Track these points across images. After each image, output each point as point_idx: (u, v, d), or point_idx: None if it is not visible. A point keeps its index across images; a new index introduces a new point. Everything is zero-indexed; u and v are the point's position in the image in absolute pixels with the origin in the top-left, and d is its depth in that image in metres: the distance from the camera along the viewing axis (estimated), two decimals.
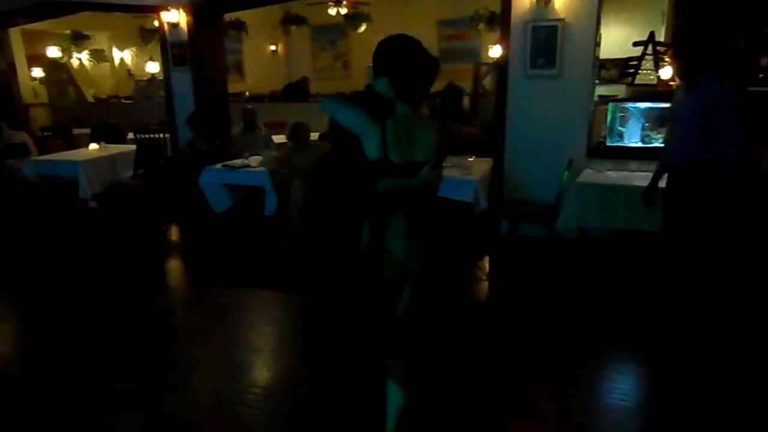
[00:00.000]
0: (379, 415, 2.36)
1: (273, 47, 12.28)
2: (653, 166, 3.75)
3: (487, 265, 4.78)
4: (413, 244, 2.16)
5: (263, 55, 12.13)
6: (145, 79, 11.44)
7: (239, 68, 11.59)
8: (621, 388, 2.99)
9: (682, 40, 3.41)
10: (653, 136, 4.78)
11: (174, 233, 6.13)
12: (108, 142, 7.42)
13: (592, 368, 3.15)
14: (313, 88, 10.64)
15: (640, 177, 4.45)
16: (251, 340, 3.68)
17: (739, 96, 3.26)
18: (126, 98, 11.40)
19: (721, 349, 3.28)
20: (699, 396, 2.86)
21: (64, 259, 5.23)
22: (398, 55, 2.15)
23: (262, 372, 3.30)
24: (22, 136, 6.95)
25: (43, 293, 4.45)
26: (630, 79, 5.57)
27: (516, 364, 3.17)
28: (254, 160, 5.64)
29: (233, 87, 8.87)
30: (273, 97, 10.25)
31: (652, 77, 5.46)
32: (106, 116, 9.61)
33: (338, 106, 2.23)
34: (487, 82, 8.10)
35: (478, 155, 5.33)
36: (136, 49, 12.06)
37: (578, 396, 2.87)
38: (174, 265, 5.38)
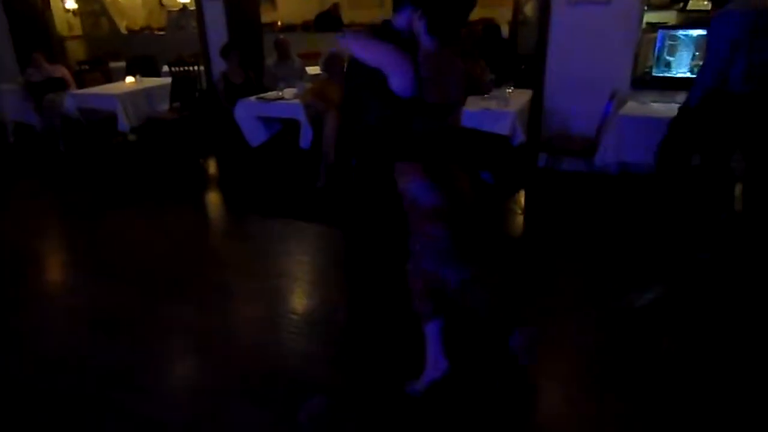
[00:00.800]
0: (407, 348, 2.44)
1: None
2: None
3: (522, 200, 4.74)
4: (460, 185, 2.16)
5: None
6: (177, 9, 11.30)
7: None
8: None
9: None
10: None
11: (212, 166, 6.22)
12: (143, 75, 7.44)
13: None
14: (347, 17, 10.36)
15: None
16: (290, 270, 3.78)
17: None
18: (159, 29, 11.32)
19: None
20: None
21: (108, 192, 5.39)
22: None
23: (300, 300, 3.41)
24: (62, 70, 7.02)
25: (90, 225, 4.62)
26: (681, 4, 5.26)
27: (545, 297, 3.20)
28: (288, 92, 5.60)
29: (265, 17, 8.69)
30: (306, 27, 10.04)
31: (705, 2, 5.15)
32: (139, 48, 9.59)
33: (362, 41, 2.07)
34: (529, 8, 7.75)
35: (517, 86, 5.18)
36: None
37: (611, 330, 2.90)
38: (213, 198, 5.50)
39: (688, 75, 4.59)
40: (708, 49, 3.40)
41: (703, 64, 3.45)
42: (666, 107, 4.34)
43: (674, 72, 4.65)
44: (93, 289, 3.52)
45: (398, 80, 1.97)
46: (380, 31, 2.14)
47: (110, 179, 5.77)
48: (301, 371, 2.64)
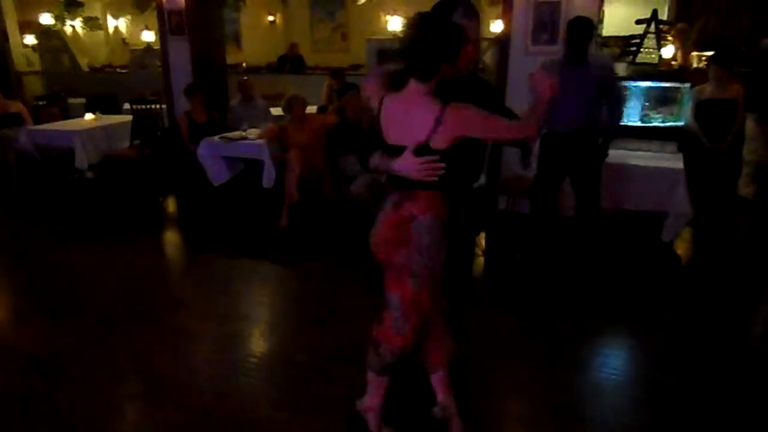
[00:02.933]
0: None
1: (271, 17, 12.12)
2: (653, 145, 3.78)
3: (483, 241, 4.81)
4: (379, 227, 2.16)
5: (261, 26, 11.99)
6: (141, 48, 11.29)
7: (237, 39, 11.45)
8: (612, 363, 3.05)
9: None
10: (653, 116, 4.79)
11: (171, 205, 6.12)
12: (103, 112, 7.35)
13: (584, 344, 3.21)
14: (312, 60, 10.54)
15: (638, 156, 4.49)
16: (249, 311, 3.71)
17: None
18: (121, 68, 11.25)
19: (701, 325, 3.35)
20: (689, 370, 2.92)
21: (61, 230, 5.23)
22: (405, 26, 2.03)
23: (259, 342, 3.34)
24: (18, 106, 6.86)
25: (41, 262, 4.46)
26: (632, 57, 5.55)
27: (504, 340, 3.22)
28: (252, 132, 5.61)
29: (231, 58, 8.77)
30: (271, 69, 10.16)
31: (653, 56, 5.45)
32: (101, 86, 9.49)
33: (367, 80, 2.24)
34: (488, 57, 8.05)
35: None
36: (131, 18, 11.87)
37: (569, 371, 2.93)
38: (172, 237, 5.39)
39: (639, 124, 4.81)
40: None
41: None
42: (620, 153, 4.53)
43: (626, 121, 4.86)
44: (39, 328, 3.38)
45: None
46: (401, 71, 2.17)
47: (65, 216, 5.60)
48: (257, 416, 2.56)
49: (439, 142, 1.96)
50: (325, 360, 3.01)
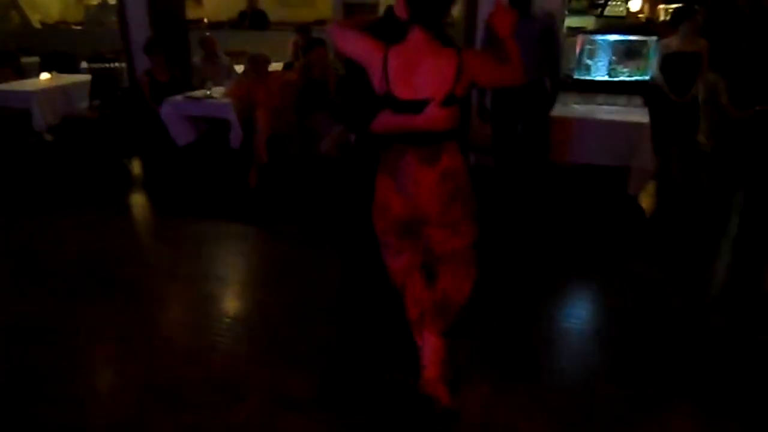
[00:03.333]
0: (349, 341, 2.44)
1: None
2: (619, 99, 3.81)
3: None
4: (418, 185, 2.02)
5: None
6: (96, 3, 10.76)
7: None
8: (575, 313, 3.14)
9: None
10: (620, 70, 4.82)
11: (137, 167, 5.97)
12: (60, 71, 7.04)
13: (548, 295, 3.29)
14: (276, 16, 10.22)
15: (605, 111, 4.53)
16: (220, 272, 3.69)
17: None
18: (76, 24, 10.73)
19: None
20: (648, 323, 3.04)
21: (24, 193, 5.07)
22: None
23: (232, 303, 3.35)
24: None
25: (4, 228, 4.33)
26: (599, 11, 5.54)
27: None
28: (217, 90, 5.46)
29: (191, 13, 8.43)
30: (234, 25, 9.82)
31: (621, 9, 5.44)
32: (55, 43, 9.04)
33: (343, 34, 2.03)
34: (455, 10, 7.91)
35: None
36: None
37: (534, 322, 3.01)
38: (139, 199, 5.28)
39: (607, 78, 4.84)
40: None
41: None
42: (587, 108, 4.56)
43: (594, 75, 4.90)
44: (8, 295, 3.31)
45: (373, 76, 1.96)
46: (381, 20, 2.11)
47: (26, 181, 5.42)
48: (233, 374, 2.58)
49: (460, 89, 1.95)
50: (298, 317, 3.03)
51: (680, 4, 5.12)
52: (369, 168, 2.14)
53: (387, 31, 1.97)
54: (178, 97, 5.43)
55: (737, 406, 2.40)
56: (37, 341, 2.85)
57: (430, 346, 2.18)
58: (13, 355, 2.75)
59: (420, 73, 1.93)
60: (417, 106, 1.94)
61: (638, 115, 4.43)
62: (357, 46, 2.00)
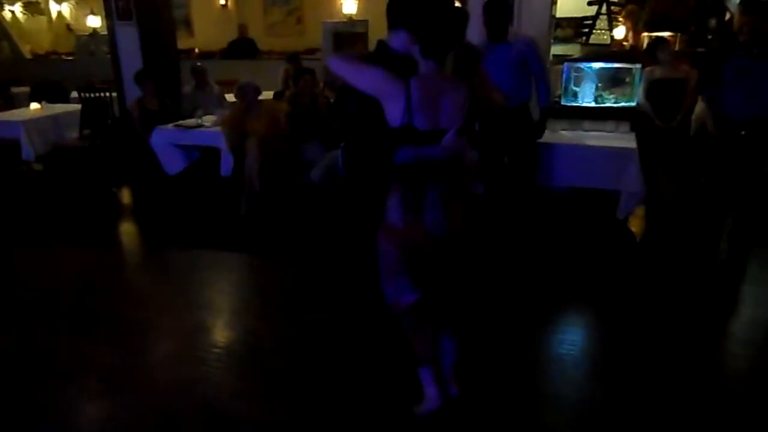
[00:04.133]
0: (343, 372, 2.41)
1: (222, 1, 11.80)
2: (606, 125, 3.86)
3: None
4: (449, 216, 2.07)
5: (212, 10, 11.64)
6: (87, 34, 10.84)
7: (187, 23, 11.10)
8: (569, 339, 3.13)
9: None
10: (606, 96, 4.89)
11: (126, 196, 5.94)
12: (50, 101, 7.05)
13: (541, 321, 3.28)
14: (266, 45, 10.34)
15: (592, 136, 4.58)
16: (211, 302, 3.65)
17: None
18: (67, 54, 10.80)
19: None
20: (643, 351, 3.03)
21: (11, 223, 5.02)
22: (422, 4, 1.93)
23: (223, 332, 3.30)
24: None
25: None
26: (584, 38, 5.65)
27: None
28: (208, 119, 5.49)
29: (182, 43, 8.52)
30: (224, 54, 9.92)
31: (605, 37, 5.55)
32: (46, 74, 9.08)
33: (351, 66, 2.02)
34: None
35: None
36: (75, 2, 11.38)
37: (527, 348, 2.99)
38: (128, 228, 5.25)
39: (594, 104, 4.91)
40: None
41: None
42: (574, 134, 4.62)
43: (581, 101, 4.96)
44: None
45: (391, 108, 1.95)
46: (376, 53, 2.10)
47: (15, 210, 5.38)
48: (222, 407, 2.53)
49: (467, 117, 2.06)
50: (290, 348, 2.99)
51: (661, 33, 5.23)
52: (375, 201, 2.13)
53: (386, 64, 1.97)
54: (169, 126, 5.44)
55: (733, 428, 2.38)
56: (21, 374, 2.79)
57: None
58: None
59: (441, 105, 1.98)
60: (436, 137, 2.01)
61: (625, 140, 4.49)
62: (372, 78, 1.97)
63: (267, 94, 6.36)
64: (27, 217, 5.20)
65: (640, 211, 4.72)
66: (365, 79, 1.98)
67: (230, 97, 6.45)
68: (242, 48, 9.76)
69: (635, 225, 4.65)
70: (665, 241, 4.40)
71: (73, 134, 6.39)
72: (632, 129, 4.76)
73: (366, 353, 2.87)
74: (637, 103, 4.91)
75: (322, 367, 2.79)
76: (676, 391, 2.64)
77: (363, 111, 2.03)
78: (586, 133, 4.65)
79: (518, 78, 3.92)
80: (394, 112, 1.94)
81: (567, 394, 2.62)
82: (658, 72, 4.81)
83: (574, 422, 2.42)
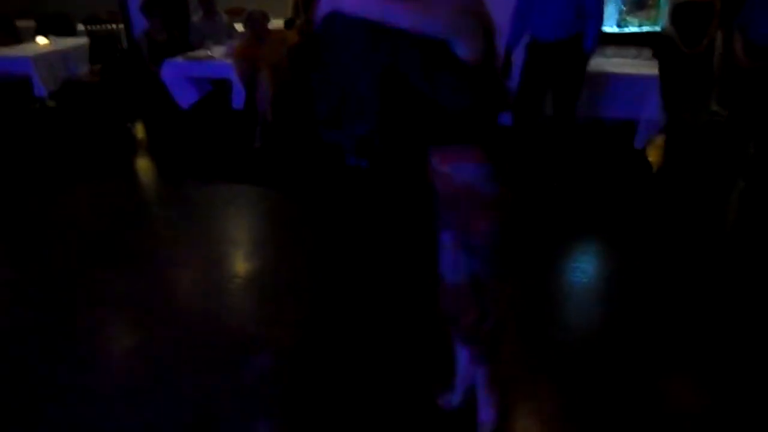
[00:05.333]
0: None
1: None
2: (629, 51, 3.71)
3: None
4: None
5: None
6: None
7: None
8: (582, 268, 3.15)
9: None
10: (629, 20, 4.70)
11: (140, 130, 5.93)
12: (57, 34, 6.92)
13: (556, 250, 3.30)
14: None
15: (613, 63, 4.44)
16: (228, 234, 3.71)
17: None
18: None
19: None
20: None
21: (28, 161, 5.06)
22: None
23: (241, 264, 3.36)
24: None
25: (13, 196, 4.34)
26: None
27: None
28: (217, 50, 5.37)
29: None
30: None
31: None
32: (50, 5, 8.89)
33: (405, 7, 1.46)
34: None
35: None
36: None
37: (542, 275, 3.03)
38: (144, 164, 5.27)
39: (616, 30, 4.73)
40: None
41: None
42: (594, 62, 4.46)
43: (602, 26, 4.76)
44: (14, 261, 3.34)
45: (471, 45, 1.49)
46: None
47: (32, 148, 5.41)
48: (245, 333, 2.62)
49: None
50: (308, 276, 3.06)
51: None
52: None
53: None
54: (178, 58, 5.34)
55: (738, 369, 2.39)
56: (46, 307, 2.89)
57: None
58: (22, 319, 2.80)
59: None
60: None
61: (647, 67, 4.34)
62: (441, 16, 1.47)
63: (277, 23, 6.19)
64: (43, 154, 5.23)
65: (659, 140, 4.63)
66: (435, 15, 1.46)
67: (238, 27, 6.30)
68: None
69: (653, 155, 4.58)
70: (683, 172, 4.34)
71: (84, 69, 6.30)
72: (655, 55, 4.60)
73: (376, 282, 2.93)
74: (662, 28, 4.71)
75: (341, 295, 2.85)
76: (685, 324, 2.67)
77: (425, 54, 1.50)
78: (607, 59, 4.49)
79: (577, 7, 3.63)
80: (475, 48, 1.50)
81: (577, 324, 2.67)
82: None
83: (581, 352, 2.47)
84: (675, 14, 4.63)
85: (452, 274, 1.84)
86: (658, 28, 4.72)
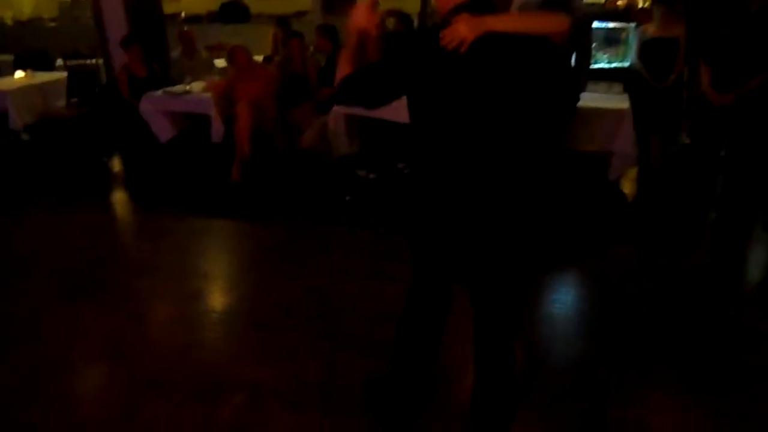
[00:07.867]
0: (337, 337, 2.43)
1: None
2: (599, 86, 3.81)
3: None
4: None
5: None
6: None
7: None
8: (561, 298, 3.18)
9: None
10: (600, 57, 4.84)
11: (117, 165, 5.89)
12: (35, 69, 6.91)
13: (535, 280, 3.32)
14: (256, 8, 10.14)
15: (585, 97, 4.55)
16: (207, 268, 3.67)
17: None
18: (50, 20, 10.55)
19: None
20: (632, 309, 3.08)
21: (4, 195, 4.98)
22: None
23: (218, 298, 3.33)
24: None
25: None
26: None
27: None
28: (196, 85, 5.41)
29: (168, 7, 8.32)
30: (212, 18, 9.73)
31: None
32: (29, 41, 8.90)
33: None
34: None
35: None
36: None
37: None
38: (121, 197, 5.22)
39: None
40: None
41: None
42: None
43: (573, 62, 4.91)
44: None
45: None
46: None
47: (5, 181, 5.33)
48: (221, 368, 2.58)
49: None
50: (285, 312, 3.03)
51: None
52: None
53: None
54: (158, 93, 5.36)
55: (718, 382, 2.44)
56: (20, 342, 2.81)
57: None
58: None
59: None
60: None
61: (618, 101, 4.46)
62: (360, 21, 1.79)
63: (256, 59, 6.26)
64: (16, 187, 5.16)
65: (632, 172, 4.73)
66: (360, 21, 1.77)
67: (219, 63, 6.36)
68: (234, 12, 9.56)
69: (627, 187, 4.67)
70: (657, 203, 4.42)
71: (61, 103, 6.28)
72: (626, 90, 4.73)
73: (361, 316, 2.92)
74: (631, 64, 4.86)
75: (316, 331, 2.83)
76: (665, 348, 2.70)
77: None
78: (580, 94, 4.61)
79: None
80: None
81: (557, 351, 2.68)
82: (650, 30, 4.74)
83: (562, 378, 2.48)
84: (642, 50, 4.78)
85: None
86: (626, 64, 4.86)
